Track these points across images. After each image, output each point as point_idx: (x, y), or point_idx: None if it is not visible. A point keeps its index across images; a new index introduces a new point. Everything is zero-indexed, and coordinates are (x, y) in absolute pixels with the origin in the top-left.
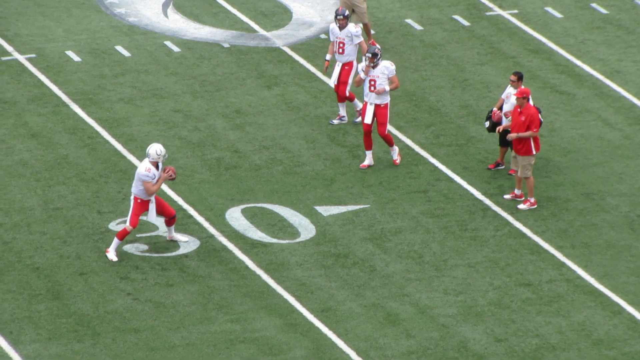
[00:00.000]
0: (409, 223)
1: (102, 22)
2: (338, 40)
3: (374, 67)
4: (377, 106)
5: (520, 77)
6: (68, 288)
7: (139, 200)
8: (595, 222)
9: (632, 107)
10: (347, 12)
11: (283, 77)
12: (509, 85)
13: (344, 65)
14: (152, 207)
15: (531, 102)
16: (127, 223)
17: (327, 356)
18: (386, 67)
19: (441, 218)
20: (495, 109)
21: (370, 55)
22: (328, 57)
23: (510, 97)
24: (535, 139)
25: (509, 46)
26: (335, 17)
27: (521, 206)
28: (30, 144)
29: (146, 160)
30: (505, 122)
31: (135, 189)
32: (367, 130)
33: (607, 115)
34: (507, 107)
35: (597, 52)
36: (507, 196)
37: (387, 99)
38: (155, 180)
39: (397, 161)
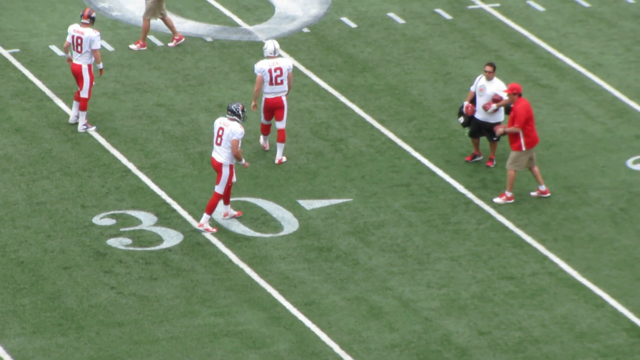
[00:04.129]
0: (392, 216)
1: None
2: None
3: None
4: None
5: (494, 68)
6: (52, 282)
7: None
8: (577, 215)
9: (614, 101)
10: None
11: None
12: (481, 77)
13: None
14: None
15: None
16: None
17: (311, 349)
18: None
19: (424, 212)
20: (467, 102)
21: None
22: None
23: (484, 89)
24: (529, 136)
25: (491, 40)
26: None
27: (497, 200)
28: (14, 138)
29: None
30: (480, 114)
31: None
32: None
33: (589, 109)
34: (482, 100)
35: (579, 46)
36: (533, 193)
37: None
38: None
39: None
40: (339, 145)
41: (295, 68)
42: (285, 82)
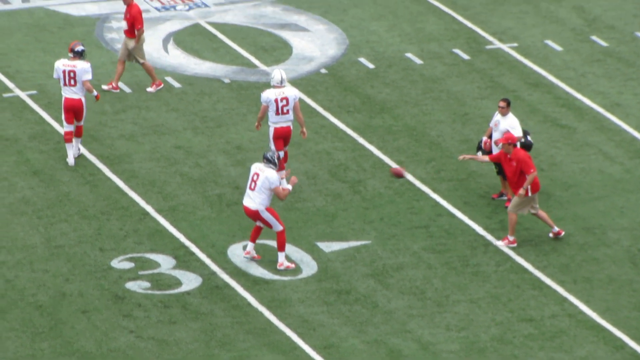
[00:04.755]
0: (411, 259)
1: (103, 58)
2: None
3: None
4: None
5: (509, 104)
6: (71, 326)
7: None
8: (596, 256)
9: (633, 141)
10: None
11: None
12: (497, 113)
13: None
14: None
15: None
16: (279, 227)
17: None
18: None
19: (443, 254)
20: (485, 137)
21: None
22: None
23: (498, 125)
24: (533, 180)
25: (509, 80)
26: None
27: (498, 243)
28: (32, 181)
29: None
30: (496, 150)
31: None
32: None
33: (607, 149)
34: (496, 135)
35: (597, 85)
36: (551, 235)
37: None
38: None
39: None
40: (357, 187)
41: (313, 109)
42: (292, 112)
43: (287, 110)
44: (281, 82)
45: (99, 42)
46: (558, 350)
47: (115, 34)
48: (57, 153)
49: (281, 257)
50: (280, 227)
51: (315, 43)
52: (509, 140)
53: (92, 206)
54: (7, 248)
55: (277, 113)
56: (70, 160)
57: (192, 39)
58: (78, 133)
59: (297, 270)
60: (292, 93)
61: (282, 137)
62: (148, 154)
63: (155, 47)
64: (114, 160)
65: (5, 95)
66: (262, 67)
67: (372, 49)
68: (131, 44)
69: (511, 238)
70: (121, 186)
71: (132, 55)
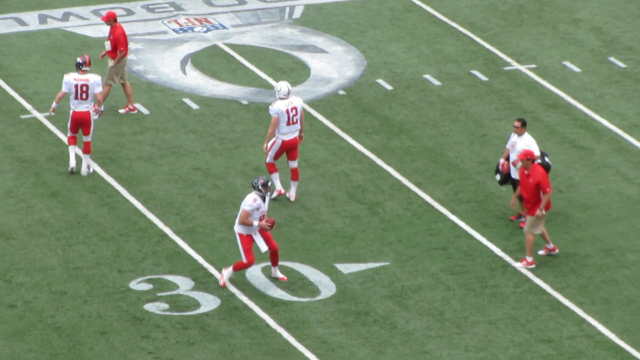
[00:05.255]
0: (429, 280)
1: None
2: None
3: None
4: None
5: (524, 124)
6: (89, 347)
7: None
8: (615, 277)
9: None
10: None
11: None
12: (513, 134)
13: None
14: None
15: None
16: (243, 259)
17: None
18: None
19: (461, 275)
20: (502, 160)
21: (262, 187)
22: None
23: (515, 145)
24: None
25: (527, 101)
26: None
27: (517, 265)
28: (50, 203)
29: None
30: (514, 172)
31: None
32: (251, 263)
33: (626, 170)
34: (513, 157)
35: (615, 107)
36: (541, 252)
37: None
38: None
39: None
40: (375, 208)
41: (331, 131)
42: (299, 122)
43: (297, 120)
44: (288, 93)
45: None
46: None
47: (134, 56)
48: (75, 175)
49: (227, 274)
50: (243, 259)
51: (333, 64)
52: (527, 156)
53: (111, 228)
54: (26, 270)
55: (287, 124)
56: (72, 162)
57: (210, 61)
58: (86, 149)
59: (316, 291)
60: (299, 102)
61: (289, 149)
62: (166, 176)
63: (173, 69)
64: (132, 181)
65: (23, 117)
66: None
67: (390, 70)
68: (111, 63)
69: (529, 259)
70: (139, 208)
71: (115, 77)
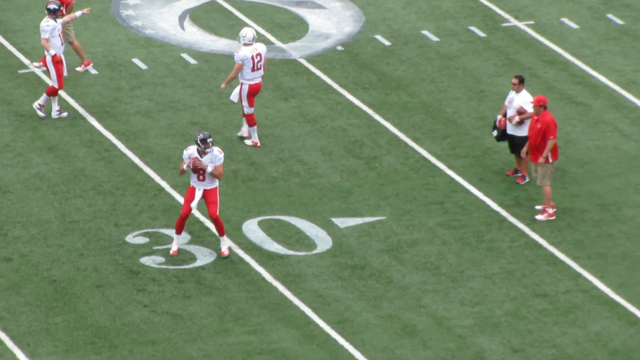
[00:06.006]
0: (426, 234)
1: (119, 35)
2: None
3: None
4: (206, 190)
5: (522, 81)
6: (85, 300)
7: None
8: (611, 232)
9: None
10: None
11: (299, 89)
12: (511, 91)
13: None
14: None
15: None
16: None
17: None
18: (215, 156)
19: (457, 229)
20: (500, 116)
21: (200, 142)
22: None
23: (512, 102)
24: (553, 147)
25: (525, 57)
26: None
27: (539, 217)
28: (47, 157)
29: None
30: (511, 128)
31: None
32: (186, 215)
33: (623, 126)
34: (510, 112)
35: (613, 63)
36: (539, 207)
37: (216, 183)
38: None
39: (225, 253)
40: (372, 163)
41: (329, 86)
42: (262, 67)
43: (261, 66)
44: (253, 39)
45: (115, 19)
46: (572, 326)
47: (132, 11)
48: (72, 129)
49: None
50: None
51: (332, 20)
52: (540, 102)
53: (107, 182)
54: (22, 223)
55: (252, 69)
56: (54, 113)
57: (209, 16)
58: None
59: (312, 245)
60: (263, 48)
61: (256, 93)
62: (164, 130)
63: (171, 24)
64: (129, 136)
65: (21, 71)
66: (278, 44)
67: (388, 26)
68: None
69: (550, 210)
70: (136, 162)
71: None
